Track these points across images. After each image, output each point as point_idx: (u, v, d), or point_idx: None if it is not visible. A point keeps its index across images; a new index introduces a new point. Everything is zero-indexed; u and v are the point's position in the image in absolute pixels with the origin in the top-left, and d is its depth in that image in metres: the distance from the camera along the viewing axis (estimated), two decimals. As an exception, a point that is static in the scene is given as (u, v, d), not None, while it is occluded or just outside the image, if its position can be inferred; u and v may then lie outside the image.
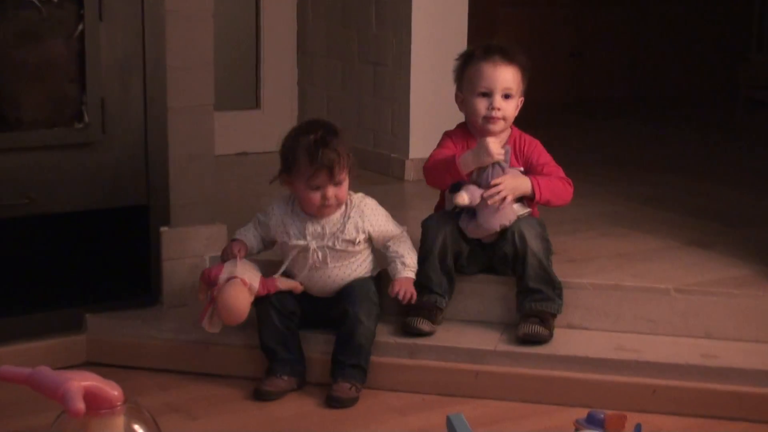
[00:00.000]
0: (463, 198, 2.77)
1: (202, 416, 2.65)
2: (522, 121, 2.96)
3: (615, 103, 6.23)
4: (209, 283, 2.76)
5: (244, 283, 2.71)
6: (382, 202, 2.92)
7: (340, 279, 2.84)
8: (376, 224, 2.84)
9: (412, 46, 4.11)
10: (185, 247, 3.10)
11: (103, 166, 2.96)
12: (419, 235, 2.93)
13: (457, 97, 2.97)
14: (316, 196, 2.75)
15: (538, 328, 2.79)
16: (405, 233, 2.90)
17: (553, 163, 2.93)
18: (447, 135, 3.00)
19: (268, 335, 2.79)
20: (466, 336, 2.87)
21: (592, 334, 2.89)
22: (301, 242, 2.81)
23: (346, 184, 2.78)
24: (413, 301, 2.81)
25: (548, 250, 2.85)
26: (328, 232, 2.80)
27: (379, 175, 4.15)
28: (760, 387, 2.65)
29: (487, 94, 2.87)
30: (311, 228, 2.80)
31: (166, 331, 2.97)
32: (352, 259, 2.84)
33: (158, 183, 3.05)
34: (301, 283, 2.83)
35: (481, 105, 2.88)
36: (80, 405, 1.17)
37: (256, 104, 4.73)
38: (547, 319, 2.82)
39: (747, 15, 6.65)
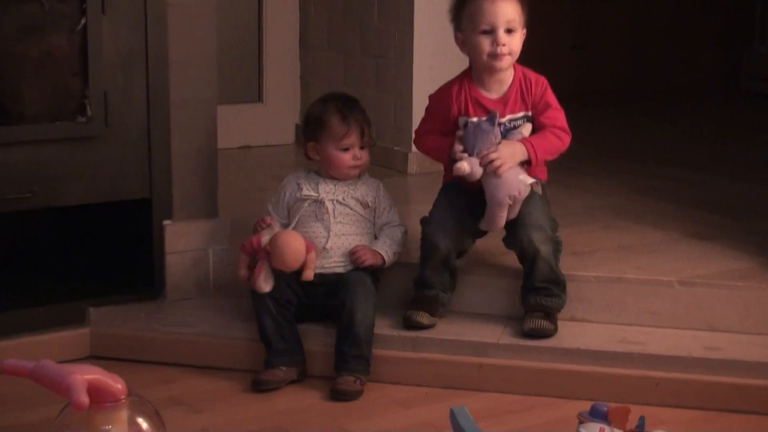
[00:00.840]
0: (464, 167, 2.70)
1: (205, 409, 2.65)
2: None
3: (616, 95, 6.22)
4: (252, 251, 2.83)
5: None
6: (385, 196, 2.94)
7: (343, 237, 2.87)
8: (383, 199, 2.94)
9: (414, 39, 4.10)
10: (188, 240, 3.10)
11: (105, 159, 2.97)
12: (419, 230, 2.94)
13: (456, 38, 2.87)
14: (347, 156, 2.89)
15: (543, 323, 2.78)
16: (405, 227, 2.94)
17: (555, 105, 2.84)
18: (434, 105, 2.91)
19: (265, 325, 2.80)
20: (470, 329, 2.87)
21: (595, 326, 2.89)
22: (313, 194, 2.90)
23: (368, 150, 2.93)
24: (363, 264, 2.84)
25: (557, 250, 2.84)
26: (339, 189, 2.91)
27: (382, 168, 4.14)
28: (764, 379, 2.65)
29: (490, 31, 2.76)
30: (323, 185, 2.92)
31: (170, 325, 2.97)
32: (355, 225, 2.90)
33: (161, 176, 3.05)
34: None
35: (485, 43, 2.77)
36: (84, 398, 1.18)
37: (259, 98, 4.73)
38: (552, 314, 2.81)
39: (750, 7, 6.64)
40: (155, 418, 1.28)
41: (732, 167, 4.34)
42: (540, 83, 2.84)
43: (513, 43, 2.77)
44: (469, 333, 2.84)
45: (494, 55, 2.77)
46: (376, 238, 2.92)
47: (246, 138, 4.60)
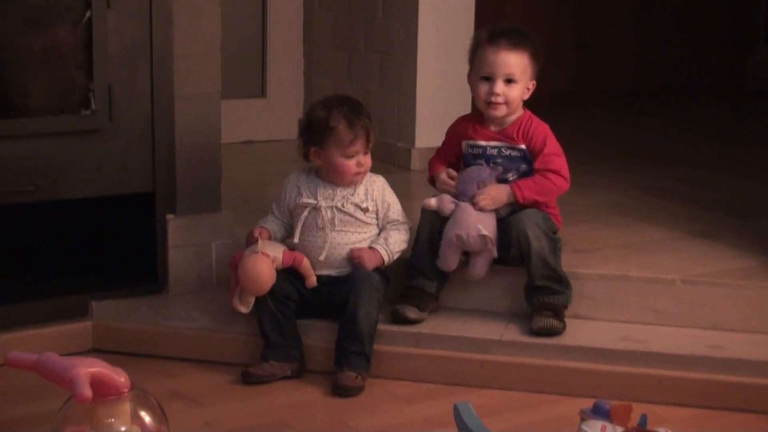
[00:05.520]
0: (431, 203, 2.85)
1: (207, 403, 2.65)
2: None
3: (621, 94, 6.22)
4: (235, 267, 2.79)
5: (264, 254, 2.75)
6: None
7: (344, 245, 2.85)
8: (383, 197, 2.90)
9: (419, 35, 4.10)
10: (191, 234, 3.10)
11: (109, 153, 2.97)
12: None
13: (468, 78, 2.96)
14: (352, 164, 2.83)
15: (552, 321, 2.78)
16: (407, 225, 2.93)
17: (553, 152, 2.88)
18: (448, 132, 3.03)
19: (263, 319, 2.80)
20: (472, 325, 2.87)
21: (598, 324, 2.89)
22: (312, 201, 2.86)
23: (370, 154, 2.88)
24: (362, 266, 2.82)
25: (554, 247, 2.84)
26: (338, 194, 2.86)
27: (385, 164, 4.14)
28: (766, 378, 2.65)
29: (489, 79, 2.86)
30: (323, 190, 2.87)
31: (172, 319, 2.97)
32: (358, 230, 2.87)
33: (164, 170, 3.05)
34: (309, 257, 2.84)
35: (483, 89, 2.87)
36: (87, 391, 1.18)
37: (262, 93, 4.73)
38: (560, 312, 2.81)
39: (754, 6, 6.63)
40: (158, 411, 1.28)
41: (736, 166, 4.34)
42: (539, 130, 2.90)
43: (510, 94, 2.85)
44: (471, 330, 2.84)
45: (489, 103, 2.87)
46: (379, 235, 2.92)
47: (249, 133, 4.61)
